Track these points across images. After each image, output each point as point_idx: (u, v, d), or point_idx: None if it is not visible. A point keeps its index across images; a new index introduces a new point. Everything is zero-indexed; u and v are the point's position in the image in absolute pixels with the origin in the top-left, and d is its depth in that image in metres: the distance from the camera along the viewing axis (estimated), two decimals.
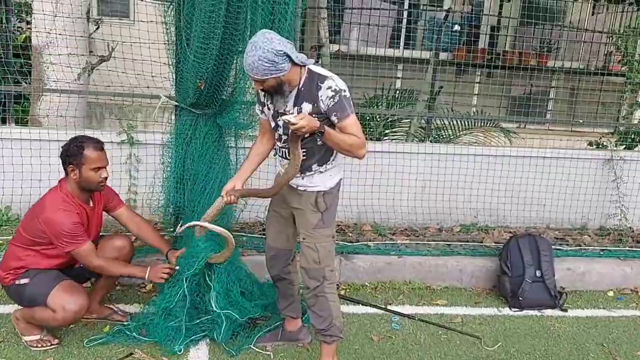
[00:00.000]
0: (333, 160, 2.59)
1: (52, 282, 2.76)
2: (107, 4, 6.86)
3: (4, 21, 4.24)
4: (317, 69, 2.48)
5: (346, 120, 2.40)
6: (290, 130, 2.33)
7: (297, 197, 2.64)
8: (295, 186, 2.62)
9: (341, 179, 2.69)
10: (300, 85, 2.44)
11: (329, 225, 2.66)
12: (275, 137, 2.66)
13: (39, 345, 2.87)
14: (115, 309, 3.24)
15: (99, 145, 2.83)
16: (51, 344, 2.89)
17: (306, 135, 2.41)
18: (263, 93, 2.51)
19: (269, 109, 2.60)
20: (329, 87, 2.39)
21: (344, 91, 2.41)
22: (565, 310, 3.72)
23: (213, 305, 2.93)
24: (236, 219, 3.93)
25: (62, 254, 2.80)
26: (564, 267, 4.04)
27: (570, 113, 6.17)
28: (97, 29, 5.56)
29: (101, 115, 5.73)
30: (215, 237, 2.94)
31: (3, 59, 4.24)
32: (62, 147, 2.83)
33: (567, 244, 4.45)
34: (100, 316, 3.17)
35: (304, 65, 2.44)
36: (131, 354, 2.85)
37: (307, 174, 2.57)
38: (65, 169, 2.83)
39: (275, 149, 2.72)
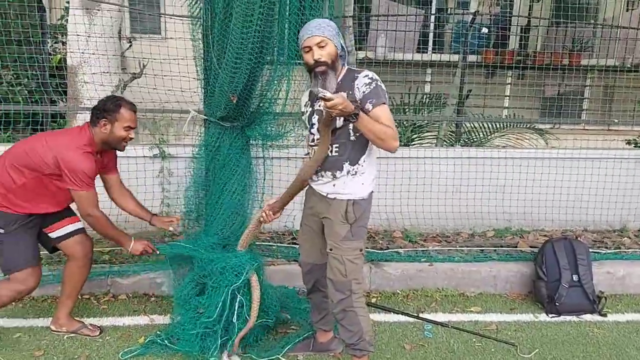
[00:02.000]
0: (364, 160, 2.55)
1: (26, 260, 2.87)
2: (139, 22, 7.04)
3: (40, 43, 4.41)
4: (355, 68, 2.64)
5: (381, 108, 2.42)
6: (323, 115, 2.34)
7: (326, 205, 2.63)
8: (325, 194, 2.61)
9: (372, 192, 2.64)
10: (339, 79, 2.55)
11: (358, 239, 2.60)
12: (309, 141, 2.67)
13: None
14: (85, 323, 3.18)
15: (134, 107, 2.98)
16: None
17: (337, 123, 2.46)
18: (305, 101, 2.68)
19: (305, 111, 2.68)
20: (366, 76, 2.49)
21: (380, 82, 2.50)
22: (605, 315, 3.62)
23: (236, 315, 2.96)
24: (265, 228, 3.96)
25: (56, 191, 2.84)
26: (603, 271, 3.93)
27: (606, 112, 6.03)
28: (130, 46, 5.73)
29: (135, 130, 5.87)
30: (254, 250, 2.98)
31: (40, 80, 4.41)
32: (98, 102, 2.94)
33: (606, 247, 4.34)
34: (69, 330, 3.13)
35: (344, 65, 2.60)
36: None
37: (338, 175, 2.54)
38: (95, 121, 2.88)
39: (308, 152, 2.74)
